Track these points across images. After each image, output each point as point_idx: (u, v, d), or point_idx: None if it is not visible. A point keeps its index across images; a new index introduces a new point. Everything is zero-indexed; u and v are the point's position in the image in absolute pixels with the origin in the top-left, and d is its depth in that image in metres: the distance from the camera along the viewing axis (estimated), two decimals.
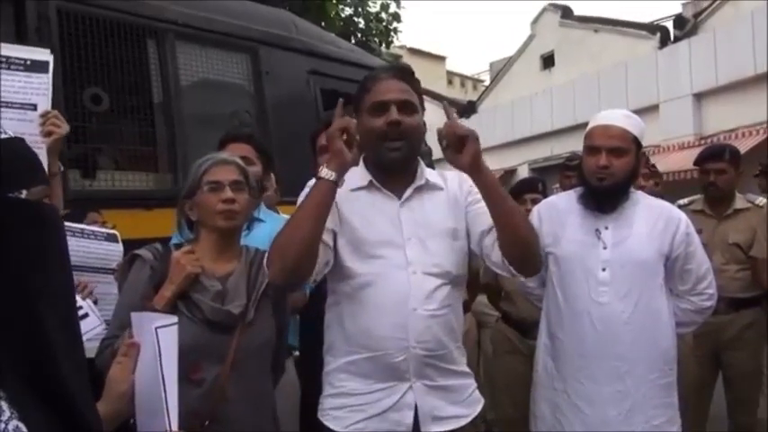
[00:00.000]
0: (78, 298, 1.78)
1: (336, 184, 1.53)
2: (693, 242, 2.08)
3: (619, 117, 2.09)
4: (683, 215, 2.12)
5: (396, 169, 1.69)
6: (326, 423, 1.65)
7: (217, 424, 1.60)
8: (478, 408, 1.74)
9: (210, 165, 1.75)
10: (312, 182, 1.61)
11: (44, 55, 1.84)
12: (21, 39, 2.70)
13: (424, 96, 1.79)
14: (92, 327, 1.75)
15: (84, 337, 1.72)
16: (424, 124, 1.75)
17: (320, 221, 1.52)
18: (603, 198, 2.07)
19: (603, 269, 2.03)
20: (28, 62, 1.79)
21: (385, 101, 1.63)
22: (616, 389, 1.99)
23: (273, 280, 1.59)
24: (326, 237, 1.58)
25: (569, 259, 2.09)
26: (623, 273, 2.01)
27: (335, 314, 1.69)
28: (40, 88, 1.80)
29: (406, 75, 1.71)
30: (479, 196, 1.66)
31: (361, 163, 1.71)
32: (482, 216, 1.68)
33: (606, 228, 2.07)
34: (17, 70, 1.77)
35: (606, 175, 2.02)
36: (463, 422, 1.68)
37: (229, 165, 1.76)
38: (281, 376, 1.94)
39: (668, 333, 2.06)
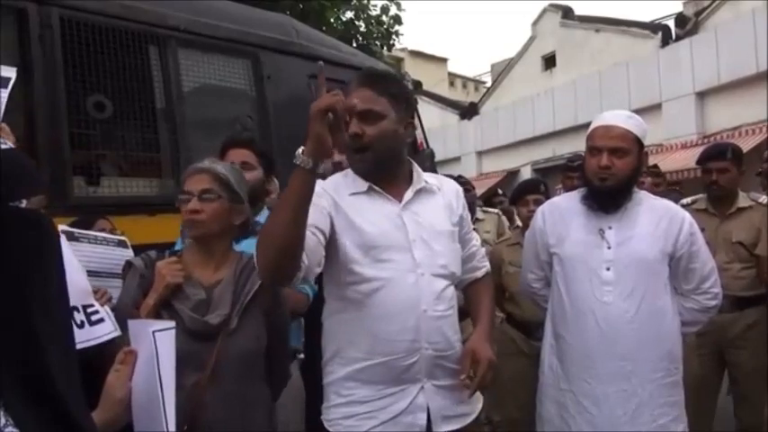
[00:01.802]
0: (96, 303, 1.81)
1: (314, 173, 1.37)
2: (697, 241, 2.09)
3: (621, 118, 2.09)
4: (687, 214, 2.12)
5: (372, 177, 1.67)
6: None
7: (195, 429, 1.60)
8: (479, 405, 1.77)
9: (187, 174, 1.77)
10: None
11: (8, 72, 1.85)
12: (23, 47, 2.71)
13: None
14: (107, 331, 1.77)
15: (99, 340, 1.75)
16: (413, 126, 1.73)
17: (300, 213, 1.38)
18: (606, 198, 2.08)
19: (607, 269, 2.03)
20: None
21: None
22: (621, 388, 1.99)
23: (261, 277, 1.55)
24: (318, 235, 1.53)
25: (573, 259, 2.10)
26: (627, 272, 2.02)
27: (340, 322, 1.66)
28: None
29: (371, 80, 1.67)
30: (469, 219, 1.88)
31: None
32: (465, 241, 1.82)
33: (610, 227, 2.07)
34: None
35: (608, 175, 2.03)
36: (468, 420, 1.71)
37: (202, 174, 1.74)
38: (286, 380, 1.94)
39: (673, 332, 2.06)
